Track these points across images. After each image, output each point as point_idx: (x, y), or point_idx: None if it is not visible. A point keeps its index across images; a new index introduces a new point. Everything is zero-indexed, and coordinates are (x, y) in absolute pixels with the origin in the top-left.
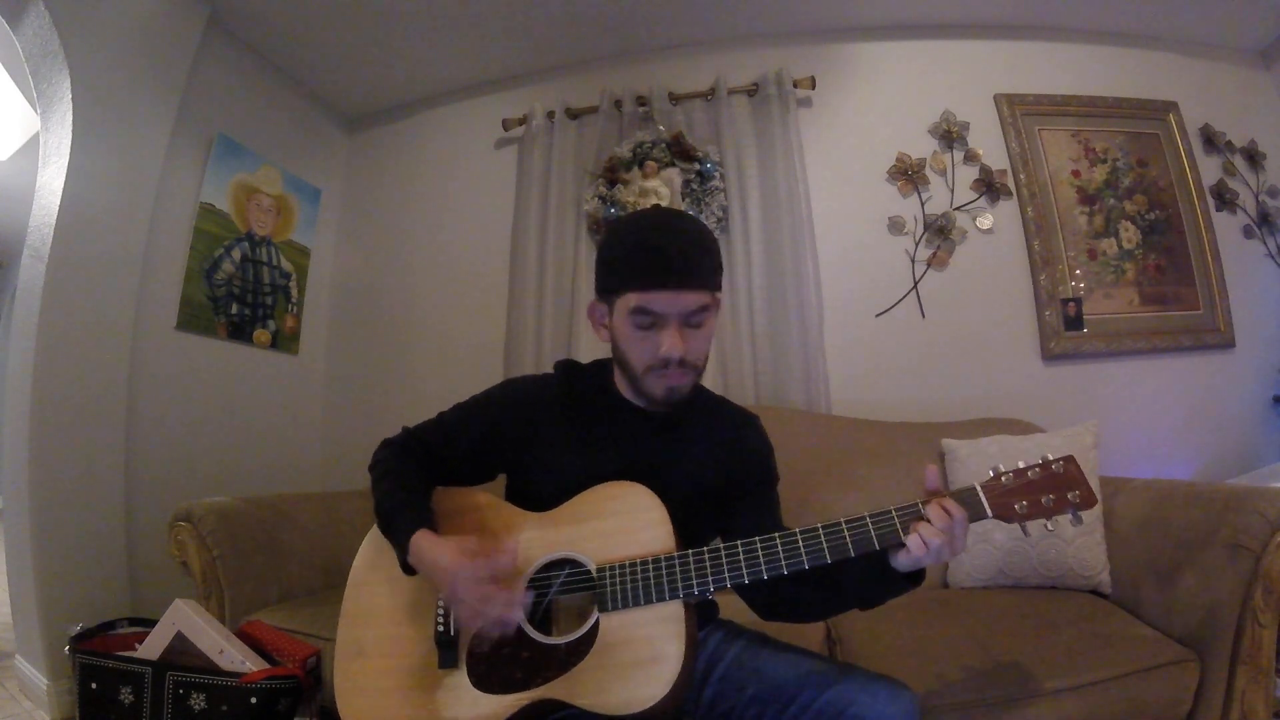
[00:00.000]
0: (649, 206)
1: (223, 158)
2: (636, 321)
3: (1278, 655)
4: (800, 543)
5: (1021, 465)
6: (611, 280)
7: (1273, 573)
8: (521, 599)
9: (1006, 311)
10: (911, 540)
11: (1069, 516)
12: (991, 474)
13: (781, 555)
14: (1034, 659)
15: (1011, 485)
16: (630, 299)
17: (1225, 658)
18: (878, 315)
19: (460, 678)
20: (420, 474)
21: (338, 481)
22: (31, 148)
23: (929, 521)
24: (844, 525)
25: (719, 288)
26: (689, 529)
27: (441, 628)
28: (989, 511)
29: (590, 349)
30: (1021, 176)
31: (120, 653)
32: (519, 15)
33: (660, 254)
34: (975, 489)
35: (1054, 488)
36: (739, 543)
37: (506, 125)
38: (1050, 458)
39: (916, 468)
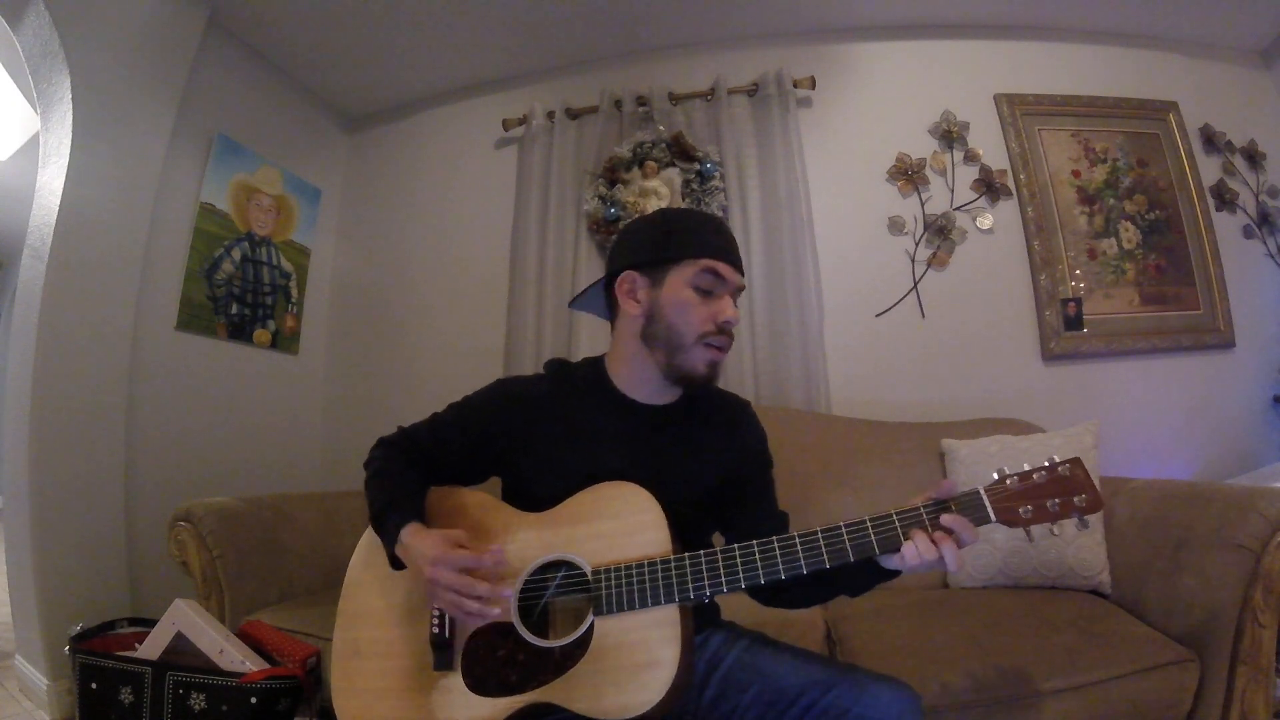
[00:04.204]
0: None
1: (223, 158)
2: (702, 283)
3: (1278, 655)
4: (799, 549)
5: (1027, 468)
6: (676, 248)
7: (1273, 573)
8: (504, 593)
9: (1006, 311)
10: (907, 550)
11: (1074, 520)
12: (996, 476)
13: (780, 561)
14: (1034, 659)
15: (1016, 489)
16: (701, 263)
17: (1225, 658)
18: (878, 315)
19: (455, 680)
20: (414, 472)
21: (338, 481)
22: (31, 148)
23: (928, 535)
24: (844, 531)
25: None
26: (688, 524)
27: (437, 629)
28: (992, 516)
29: (590, 349)
30: (1021, 176)
31: (120, 653)
32: (519, 15)
33: (724, 233)
34: (979, 492)
35: (1060, 492)
36: (736, 547)
37: (506, 125)
38: (1056, 460)
39: (917, 468)
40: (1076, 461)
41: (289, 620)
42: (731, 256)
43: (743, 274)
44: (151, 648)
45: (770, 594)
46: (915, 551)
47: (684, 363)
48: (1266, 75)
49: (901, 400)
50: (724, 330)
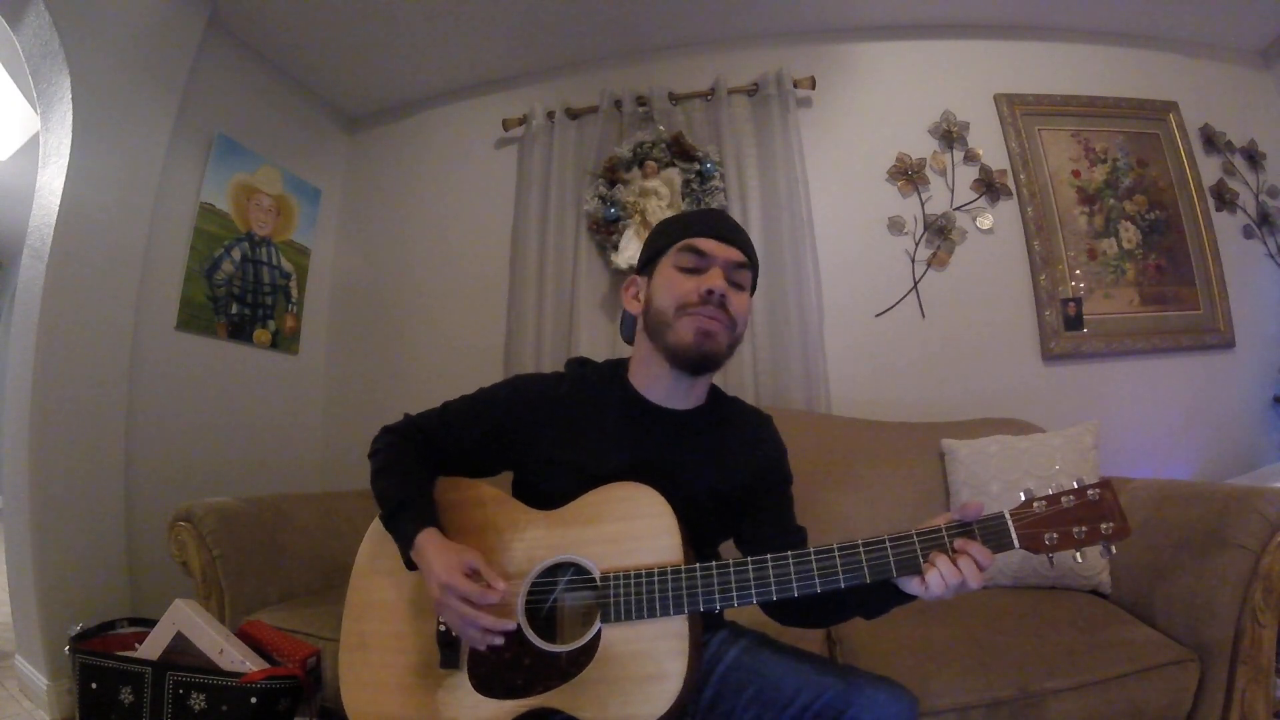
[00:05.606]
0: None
1: (223, 158)
2: (683, 262)
3: (1278, 655)
4: (814, 565)
5: (1054, 491)
6: (660, 240)
7: (1273, 573)
8: (508, 626)
9: (1006, 311)
10: (931, 578)
11: (1099, 548)
12: (1023, 497)
13: (793, 578)
14: (1034, 659)
15: (1043, 513)
16: (679, 243)
17: (1225, 658)
18: (878, 315)
19: (461, 679)
20: (422, 465)
21: (338, 481)
22: (31, 148)
23: (950, 559)
24: (861, 549)
25: (754, 285)
26: (699, 532)
27: (443, 627)
28: (1016, 542)
29: (590, 349)
30: (1021, 176)
31: (120, 653)
32: (519, 15)
33: (712, 215)
34: (1004, 517)
35: (1087, 518)
36: (749, 561)
37: (506, 125)
38: (1086, 483)
39: (917, 467)
40: (1106, 484)
41: (289, 620)
42: (715, 230)
43: (743, 250)
44: (151, 648)
45: (784, 612)
46: (939, 579)
47: (671, 339)
48: (1266, 75)
49: (901, 400)
50: (706, 300)
